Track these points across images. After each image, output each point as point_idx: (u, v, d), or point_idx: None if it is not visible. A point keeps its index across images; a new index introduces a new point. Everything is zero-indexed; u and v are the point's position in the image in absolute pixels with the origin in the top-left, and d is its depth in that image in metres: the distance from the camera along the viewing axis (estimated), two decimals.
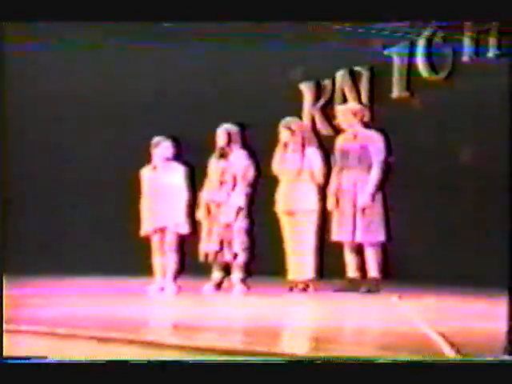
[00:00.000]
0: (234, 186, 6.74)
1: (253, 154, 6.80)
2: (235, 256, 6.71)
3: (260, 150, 6.86)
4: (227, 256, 6.71)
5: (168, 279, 6.75)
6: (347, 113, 6.74)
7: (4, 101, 6.25)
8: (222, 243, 6.73)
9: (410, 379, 3.49)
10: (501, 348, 3.58)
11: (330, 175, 6.69)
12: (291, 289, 6.73)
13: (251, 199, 6.75)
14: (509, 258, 3.75)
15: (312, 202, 6.72)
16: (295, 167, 6.74)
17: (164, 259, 6.77)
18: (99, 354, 4.02)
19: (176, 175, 6.80)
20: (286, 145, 6.81)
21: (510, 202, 4.08)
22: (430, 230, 6.78)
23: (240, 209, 6.70)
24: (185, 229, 6.75)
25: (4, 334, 4.15)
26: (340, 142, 6.73)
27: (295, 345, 4.30)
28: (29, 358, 3.84)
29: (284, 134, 6.79)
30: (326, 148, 6.83)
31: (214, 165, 6.85)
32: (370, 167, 6.55)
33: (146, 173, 6.91)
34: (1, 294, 4.65)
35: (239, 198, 6.70)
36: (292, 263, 6.77)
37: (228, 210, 6.71)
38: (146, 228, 6.83)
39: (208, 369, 3.64)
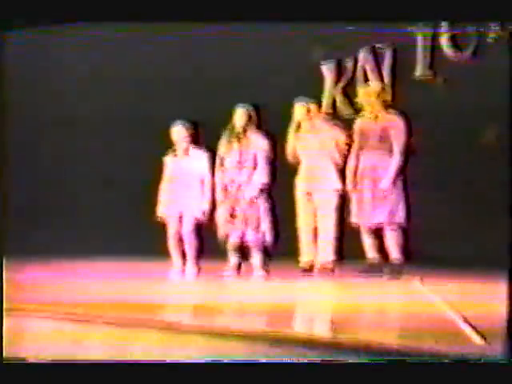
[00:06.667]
0: (255, 166, 6.66)
1: (269, 135, 6.72)
2: (263, 235, 6.62)
3: (276, 131, 6.77)
4: (255, 236, 6.61)
5: (188, 262, 6.69)
6: (368, 94, 6.62)
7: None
8: (246, 223, 6.65)
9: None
10: None
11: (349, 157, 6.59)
12: (306, 271, 6.62)
13: (273, 180, 6.67)
14: None
15: (332, 182, 6.62)
16: (312, 147, 6.64)
17: (182, 242, 6.70)
18: (118, 338, 3.97)
19: (199, 161, 6.72)
20: (300, 124, 6.71)
21: None
22: (453, 212, 6.67)
23: (264, 185, 6.62)
24: (205, 215, 6.67)
25: (16, 316, 4.12)
26: (360, 124, 6.62)
27: (316, 328, 4.23)
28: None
29: (299, 112, 6.69)
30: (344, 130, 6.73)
31: (228, 146, 6.74)
32: (390, 149, 6.44)
33: (168, 159, 6.85)
34: (1, 285, 4.56)
35: (262, 176, 6.62)
36: (312, 245, 6.68)
37: (251, 187, 6.62)
38: (162, 211, 6.76)
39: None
